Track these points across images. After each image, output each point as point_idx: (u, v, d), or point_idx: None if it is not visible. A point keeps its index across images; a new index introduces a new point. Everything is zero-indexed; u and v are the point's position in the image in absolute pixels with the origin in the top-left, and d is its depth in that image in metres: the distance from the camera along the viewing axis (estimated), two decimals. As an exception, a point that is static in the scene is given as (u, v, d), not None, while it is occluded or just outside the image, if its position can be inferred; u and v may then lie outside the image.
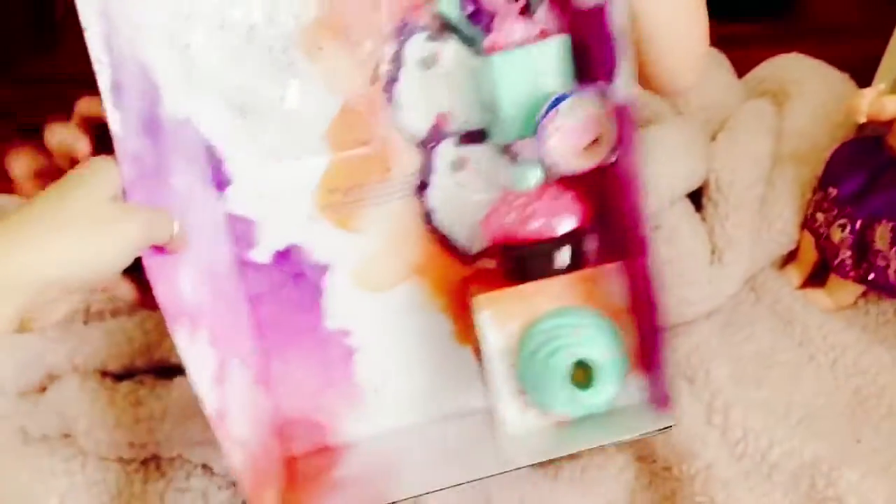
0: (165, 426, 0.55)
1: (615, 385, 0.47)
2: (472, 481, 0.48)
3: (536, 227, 0.46)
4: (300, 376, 0.51)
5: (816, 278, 0.71)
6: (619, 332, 0.47)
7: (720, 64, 0.92)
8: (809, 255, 0.70)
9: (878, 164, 0.62)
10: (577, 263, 0.48)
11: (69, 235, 0.35)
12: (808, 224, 0.69)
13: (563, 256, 0.47)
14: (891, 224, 0.61)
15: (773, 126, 0.79)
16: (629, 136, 0.44)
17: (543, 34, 0.46)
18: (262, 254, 0.49)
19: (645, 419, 0.48)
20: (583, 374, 0.46)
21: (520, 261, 0.48)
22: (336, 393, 0.52)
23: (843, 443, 0.59)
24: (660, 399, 0.48)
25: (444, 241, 0.51)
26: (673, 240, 0.64)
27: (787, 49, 0.95)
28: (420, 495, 0.49)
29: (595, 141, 0.46)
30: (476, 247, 0.52)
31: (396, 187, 0.50)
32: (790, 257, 0.73)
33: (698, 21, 0.55)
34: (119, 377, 0.60)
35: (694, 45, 0.56)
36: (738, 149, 0.74)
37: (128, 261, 0.37)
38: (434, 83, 0.48)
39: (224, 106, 0.46)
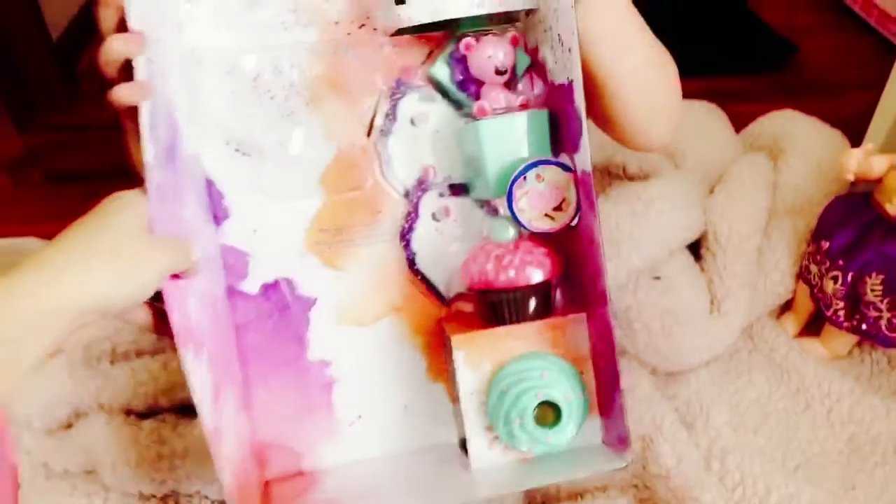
0: (187, 464, 0.57)
1: (576, 425, 0.49)
2: None
3: (511, 276, 0.50)
4: (280, 404, 0.53)
5: (812, 328, 0.74)
6: (580, 376, 0.51)
7: (718, 119, 0.95)
8: (805, 305, 0.73)
9: (867, 219, 0.65)
10: (545, 312, 0.51)
11: (105, 266, 0.38)
12: (802, 275, 0.72)
13: (533, 304, 0.51)
14: (881, 276, 0.64)
15: (768, 180, 0.82)
16: (589, 203, 0.47)
17: (524, 105, 0.51)
18: (251, 285, 0.52)
19: (601, 459, 0.50)
20: (547, 414, 0.49)
21: (494, 306, 0.51)
22: (314, 422, 0.54)
23: (838, 489, 0.61)
24: (616, 440, 0.50)
25: (423, 284, 0.55)
26: (672, 290, 0.67)
27: (785, 103, 0.98)
28: None
29: (560, 204, 0.50)
30: (452, 290, 0.55)
31: (383, 231, 0.53)
32: (786, 307, 0.76)
33: (663, 76, 0.57)
34: (143, 415, 0.62)
35: (660, 100, 0.58)
36: (735, 202, 0.77)
37: (156, 288, 0.40)
38: (423, 139, 0.53)
39: (226, 145, 0.50)
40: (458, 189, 0.54)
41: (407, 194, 0.53)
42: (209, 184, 0.50)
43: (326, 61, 0.50)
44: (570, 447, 0.50)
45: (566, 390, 0.49)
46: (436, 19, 0.47)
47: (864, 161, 0.65)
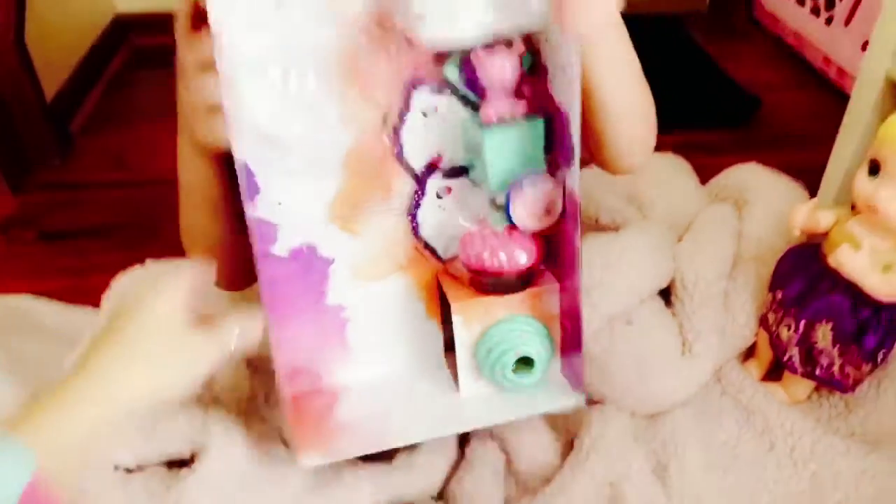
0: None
1: (543, 371, 0.62)
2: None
3: (503, 260, 0.59)
4: (303, 337, 0.62)
5: (775, 374, 0.77)
6: (550, 333, 0.62)
7: (684, 171, 1.00)
8: (766, 351, 0.76)
9: (816, 270, 0.69)
10: (526, 285, 0.61)
11: (155, 373, 0.42)
12: (762, 323, 0.76)
13: (517, 283, 0.61)
14: (830, 325, 0.68)
15: (733, 229, 0.86)
16: (572, 210, 0.55)
17: (528, 112, 0.57)
18: (281, 249, 0.58)
19: (563, 395, 0.63)
20: (522, 364, 0.61)
21: (486, 284, 0.61)
22: (330, 351, 0.63)
23: (802, 527, 0.64)
24: (575, 380, 0.62)
25: (425, 248, 0.63)
26: (645, 334, 0.71)
27: (750, 155, 1.04)
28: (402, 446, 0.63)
29: (548, 210, 0.58)
30: (448, 253, 0.63)
31: (393, 206, 0.60)
32: (751, 352, 0.79)
33: (650, 107, 0.64)
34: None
35: (646, 128, 0.65)
36: (702, 250, 0.81)
37: (211, 372, 0.44)
38: (432, 128, 0.58)
39: (258, 135, 0.55)
40: (459, 171, 0.61)
41: (416, 177, 0.60)
42: (244, 166, 0.54)
43: (348, 57, 0.55)
44: (540, 383, 0.62)
45: (538, 346, 0.61)
46: (451, 48, 0.53)
47: (810, 216, 0.70)
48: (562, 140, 0.56)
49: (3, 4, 1.10)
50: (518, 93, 0.57)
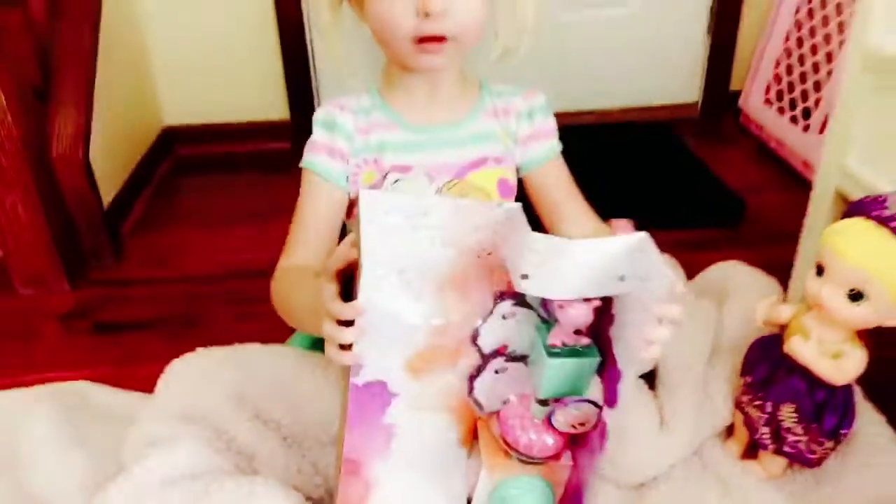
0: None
1: None
2: None
3: (534, 446, 0.69)
4: (358, 440, 0.71)
5: (754, 450, 0.86)
6: (553, 493, 0.70)
7: (671, 268, 1.12)
8: (742, 430, 0.85)
9: (778, 357, 0.79)
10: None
11: None
12: (737, 405, 0.85)
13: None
14: (793, 406, 0.77)
15: (712, 322, 0.97)
16: (602, 430, 0.66)
17: (586, 347, 0.67)
18: (361, 380, 0.69)
19: None
20: None
21: (516, 456, 0.70)
22: (375, 450, 0.73)
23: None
24: None
25: (474, 403, 0.72)
26: (625, 412, 0.80)
27: (736, 252, 1.15)
28: None
29: (582, 424, 0.67)
30: (488, 409, 0.72)
31: (459, 371, 0.71)
32: (731, 432, 0.88)
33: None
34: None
35: None
36: (683, 340, 0.92)
37: None
38: (506, 327, 0.69)
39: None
40: (520, 357, 0.71)
41: (483, 356, 0.70)
42: None
43: (457, 270, 0.67)
44: None
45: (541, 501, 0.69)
46: (548, 297, 0.64)
47: (772, 310, 0.80)
48: (610, 374, 0.66)
49: (74, 122, 1.27)
50: (586, 332, 0.67)
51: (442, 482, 0.75)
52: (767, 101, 1.74)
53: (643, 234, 0.62)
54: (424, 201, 0.65)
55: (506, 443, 0.70)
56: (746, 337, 0.92)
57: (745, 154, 1.73)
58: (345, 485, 0.72)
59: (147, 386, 1.02)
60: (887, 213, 0.71)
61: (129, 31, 1.62)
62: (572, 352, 0.66)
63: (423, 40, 0.75)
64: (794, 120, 1.61)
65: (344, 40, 0.83)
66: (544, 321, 0.69)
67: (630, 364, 0.63)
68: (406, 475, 0.74)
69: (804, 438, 0.78)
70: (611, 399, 0.65)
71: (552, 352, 0.66)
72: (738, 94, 1.85)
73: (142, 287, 1.31)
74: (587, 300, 0.64)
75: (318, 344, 0.95)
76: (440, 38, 0.75)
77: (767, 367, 0.80)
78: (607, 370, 0.67)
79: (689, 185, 1.56)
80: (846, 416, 0.78)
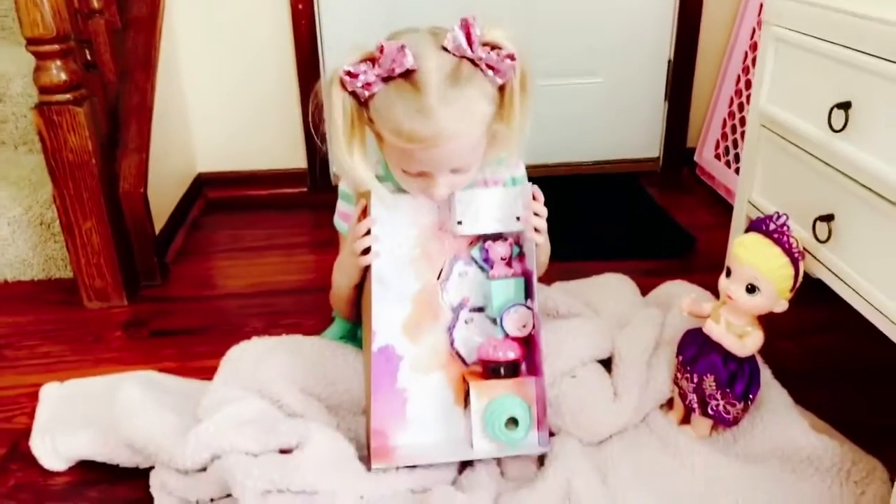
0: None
1: (525, 430, 0.99)
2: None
3: (500, 355, 1.00)
4: (382, 409, 0.98)
5: (689, 419, 1.10)
6: (528, 407, 0.99)
7: (628, 285, 1.38)
8: (679, 403, 1.10)
9: (702, 339, 1.04)
10: (515, 374, 1.02)
11: None
12: (675, 381, 1.10)
13: (509, 370, 0.98)
14: (712, 376, 1.02)
15: (657, 323, 1.22)
16: (538, 325, 0.96)
17: (514, 274, 1.01)
18: (376, 346, 0.99)
19: (537, 447, 1.00)
20: (511, 423, 0.98)
21: (491, 369, 1.01)
22: (395, 419, 0.99)
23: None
24: (545, 437, 1.00)
25: (457, 355, 1.02)
26: (584, 385, 1.05)
27: (690, 276, 1.41)
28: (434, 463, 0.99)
29: (524, 325, 0.98)
30: (471, 359, 1.02)
31: (440, 325, 1.02)
32: (672, 404, 1.13)
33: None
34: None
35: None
36: (634, 335, 1.16)
37: None
38: (464, 284, 1.03)
39: (376, 279, 1.00)
40: (479, 309, 1.04)
41: (453, 309, 1.03)
42: None
43: (423, 245, 1.02)
44: (522, 442, 1.00)
45: (521, 413, 0.99)
46: (475, 233, 1.01)
47: (694, 304, 1.06)
48: (531, 288, 1.01)
49: (136, 165, 1.53)
50: (510, 264, 1.03)
51: (447, 436, 1.01)
52: (717, 156, 2.04)
53: (527, 185, 1.03)
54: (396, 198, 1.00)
55: (483, 363, 0.99)
56: (684, 332, 1.18)
57: (700, 200, 2.01)
58: (378, 440, 0.97)
59: (203, 376, 1.26)
60: (771, 227, 0.98)
61: (175, 93, 1.90)
62: (506, 278, 1.03)
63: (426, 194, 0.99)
64: (738, 171, 1.90)
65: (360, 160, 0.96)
66: (486, 274, 1.04)
67: (532, 259, 1.00)
68: (421, 438, 0.99)
69: (722, 402, 1.03)
70: (533, 296, 1.00)
71: (494, 280, 1.02)
72: (693, 149, 2.15)
73: (186, 303, 1.55)
74: (504, 239, 1.03)
75: (346, 336, 1.19)
76: None
77: (694, 348, 1.05)
78: (528, 284, 1.02)
79: (650, 226, 1.83)
80: (752, 382, 1.03)
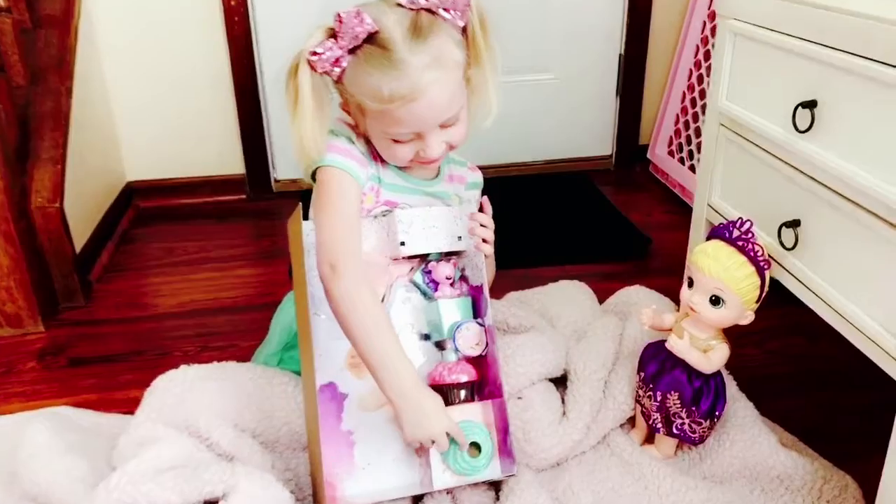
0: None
1: (487, 457, 0.91)
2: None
3: (453, 378, 0.91)
4: (328, 455, 0.87)
5: (651, 439, 1.04)
6: (490, 432, 0.92)
7: (585, 292, 1.31)
8: (641, 420, 1.03)
9: (665, 355, 0.98)
10: (471, 398, 0.94)
11: None
12: (636, 398, 1.03)
13: (462, 394, 0.93)
14: (677, 394, 0.95)
15: (616, 334, 1.15)
16: (492, 342, 0.87)
17: (461, 294, 0.95)
18: (318, 382, 0.87)
19: (503, 471, 0.92)
20: (474, 449, 0.91)
21: (444, 393, 0.91)
22: (343, 467, 0.89)
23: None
24: (508, 463, 0.92)
25: None
26: (529, 407, 0.98)
27: (642, 281, 1.35)
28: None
29: (478, 343, 0.90)
30: None
31: None
32: (634, 423, 1.06)
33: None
34: None
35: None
36: (590, 349, 1.10)
37: None
38: (406, 311, 0.95)
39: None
40: (426, 336, 0.97)
41: None
42: None
43: (370, 271, 0.93)
44: (485, 470, 0.92)
45: (482, 437, 0.91)
46: (419, 253, 0.94)
47: (655, 317, 0.99)
48: (479, 305, 0.95)
49: (51, 177, 1.40)
50: (454, 285, 0.97)
51: (402, 479, 0.91)
52: (670, 153, 1.99)
53: (468, 203, 1.03)
54: None
55: (435, 388, 0.90)
56: (645, 345, 1.12)
57: (654, 198, 1.96)
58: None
59: (125, 409, 1.15)
60: (735, 234, 0.92)
61: (97, 97, 1.76)
62: (452, 298, 0.96)
63: (421, 161, 0.93)
64: (692, 168, 1.86)
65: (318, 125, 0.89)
66: (430, 300, 0.97)
67: (480, 275, 0.95)
68: (373, 485, 0.90)
69: (687, 420, 0.96)
70: (480, 311, 0.96)
71: (441, 301, 0.95)
72: (646, 147, 2.10)
73: (111, 325, 1.43)
74: (448, 259, 0.97)
75: (283, 361, 1.09)
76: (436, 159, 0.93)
77: (656, 364, 0.98)
78: (476, 302, 0.96)
79: (604, 226, 1.77)
80: (718, 399, 0.97)
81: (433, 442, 0.86)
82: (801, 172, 0.88)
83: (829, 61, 0.82)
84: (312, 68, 0.86)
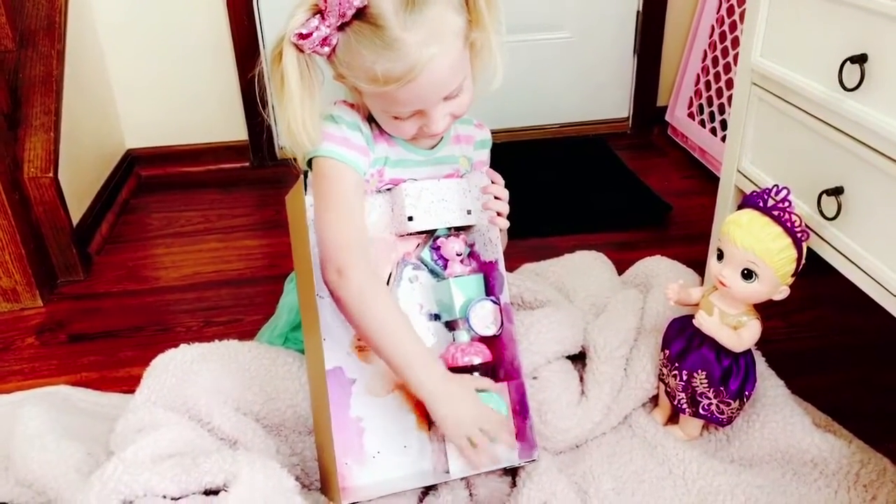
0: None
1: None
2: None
3: (466, 360, 0.87)
4: (337, 443, 0.81)
5: (675, 418, 0.98)
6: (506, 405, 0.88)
7: (604, 263, 1.25)
8: (665, 400, 0.98)
9: (691, 331, 0.92)
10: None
11: None
12: (659, 377, 0.98)
13: (476, 376, 0.88)
14: (704, 373, 0.90)
15: (637, 308, 1.09)
16: (509, 321, 0.79)
17: (473, 271, 0.88)
18: (327, 366, 0.82)
19: (523, 455, 0.88)
20: None
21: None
22: (353, 455, 0.84)
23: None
24: (529, 447, 0.87)
25: None
26: (545, 387, 0.93)
27: (662, 250, 1.29)
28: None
29: (493, 322, 0.85)
30: None
31: None
32: (657, 402, 1.00)
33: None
34: None
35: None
36: (610, 324, 1.04)
37: None
38: (415, 290, 0.90)
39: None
40: (435, 317, 0.91)
41: None
42: None
43: (375, 250, 0.87)
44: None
45: (501, 407, 0.87)
46: (428, 228, 0.88)
47: (682, 292, 0.93)
48: (493, 281, 0.89)
49: (44, 146, 1.34)
50: (464, 261, 0.91)
51: (415, 467, 0.86)
52: (690, 115, 1.91)
53: (479, 173, 0.93)
54: None
55: (452, 371, 0.85)
56: (668, 319, 1.05)
57: (673, 163, 1.88)
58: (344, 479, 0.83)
59: (126, 387, 1.11)
60: (770, 203, 0.85)
61: (93, 61, 1.69)
62: (464, 276, 0.90)
63: (425, 136, 0.86)
64: (713, 131, 1.78)
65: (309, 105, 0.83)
66: (440, 278, 0.91)
67: (495, 250, 0.88)
68: (384, 475, 0.85)
69: (714, 401, 0.91)
70: (493, 288, 0.90)
71: (452, 279, 0.89)
72: (665, 108, 2.01)
73: (112, 299, 1.38)
74: (457, 234, 0.92)
75: (288, 340, 1.04)
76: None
77: (682, 341, 0.92)
78: (490, 279, 0.90)
79: (621, 192, 1.70)
80: (748, 379, 0.91)
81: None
82: (847, 135, 0.81)
83: (883, 10, 0.74)
84: (300, 50, 0.79)
